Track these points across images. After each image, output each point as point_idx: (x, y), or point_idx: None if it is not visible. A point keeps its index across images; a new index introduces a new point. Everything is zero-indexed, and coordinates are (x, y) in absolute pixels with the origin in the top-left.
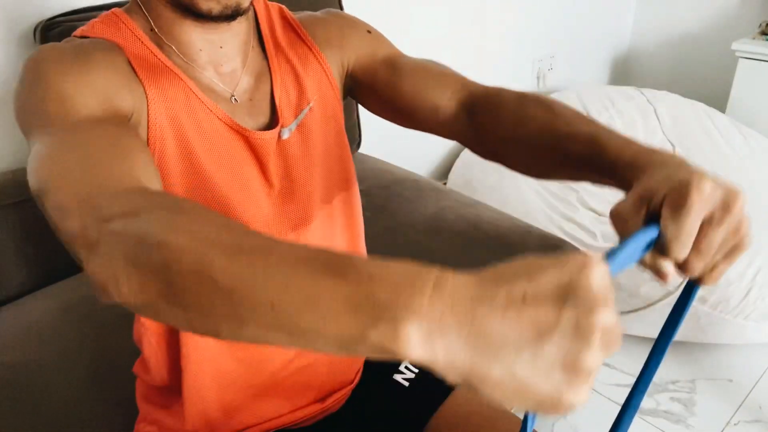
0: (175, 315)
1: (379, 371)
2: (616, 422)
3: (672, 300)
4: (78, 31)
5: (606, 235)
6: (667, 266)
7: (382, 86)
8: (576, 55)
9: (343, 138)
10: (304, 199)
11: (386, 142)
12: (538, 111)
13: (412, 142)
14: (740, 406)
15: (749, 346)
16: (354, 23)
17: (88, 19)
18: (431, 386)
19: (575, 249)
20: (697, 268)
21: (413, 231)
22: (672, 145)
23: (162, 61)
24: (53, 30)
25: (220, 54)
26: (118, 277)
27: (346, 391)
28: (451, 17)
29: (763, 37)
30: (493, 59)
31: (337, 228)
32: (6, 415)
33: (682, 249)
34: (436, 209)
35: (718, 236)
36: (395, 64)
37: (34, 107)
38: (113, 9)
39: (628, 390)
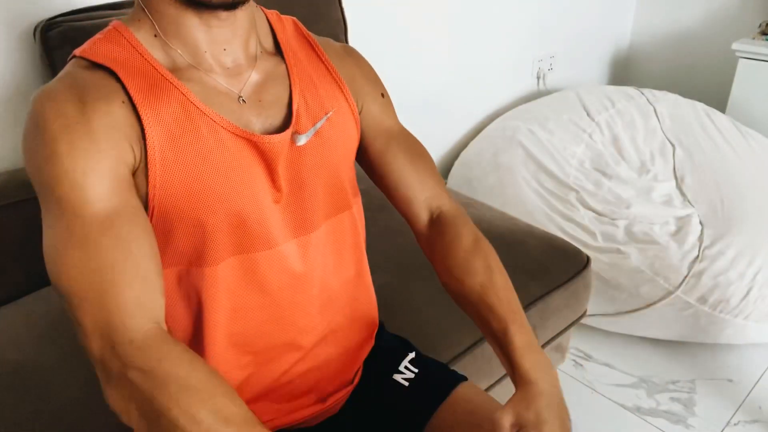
0: None
1: (379, 371)
2: None
3: (672, 300)
4: (79, 51)
5: (606, 234)
6: None
7: (373, 155)
8: (576, 55)
9: (353, 151)
10: (311, 206)
11: None
12: (480, 271)
13: None
14: (740, 406)
15: (749, 346)
16: (372, 79)
17: (88, 19)
18: (431, 386)
19: (575, 249)
20: None
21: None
22: (672, 145)
23: (162, 75)
24: (53, 30)
25: (226, 53)
26: (131, 415)
27: (347, 392)
28: (451, 17)
29: (763, 37)
30: (493, 59)
31: (340, 237)
32: (6, 415)
33: None
34: None
35: None
36: (392, 142)
37: (45, 180)
38: (114, 23)
39: (628, 390)
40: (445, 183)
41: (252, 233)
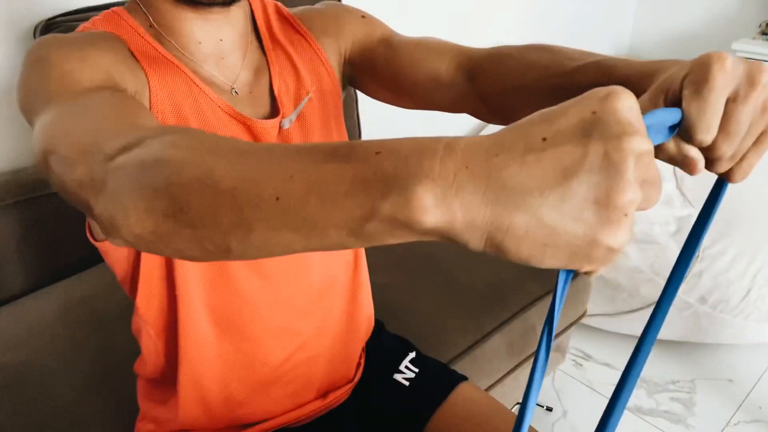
0: (183, 237)
1: (379, 371)
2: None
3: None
4: (80, 27)
5: None
6: (694, 152)
7: (381, 66)
8: None
9: (341, 127)
10: None
11: None
12: (542, 54)
13: None
14: (740, 406)
15: (749, 346)
16: (348, 10)
17: (88, 19)
18: (431, 386)
19: None
20: (727, 152)
21: None
22: None
23: (163, 54)
24: (53, 30)
25: (220, 47)
26: (126, 207)
27: (347, 389)
28: (451, 18)
29: (763, 37)
30: None
31: None
32: (6, 415)
33: (708, 129)
34: None
35: (745, 115)
36: (392, 42)
37: (36, 88)
38: (113, 8)
39: None
40: None
41: None
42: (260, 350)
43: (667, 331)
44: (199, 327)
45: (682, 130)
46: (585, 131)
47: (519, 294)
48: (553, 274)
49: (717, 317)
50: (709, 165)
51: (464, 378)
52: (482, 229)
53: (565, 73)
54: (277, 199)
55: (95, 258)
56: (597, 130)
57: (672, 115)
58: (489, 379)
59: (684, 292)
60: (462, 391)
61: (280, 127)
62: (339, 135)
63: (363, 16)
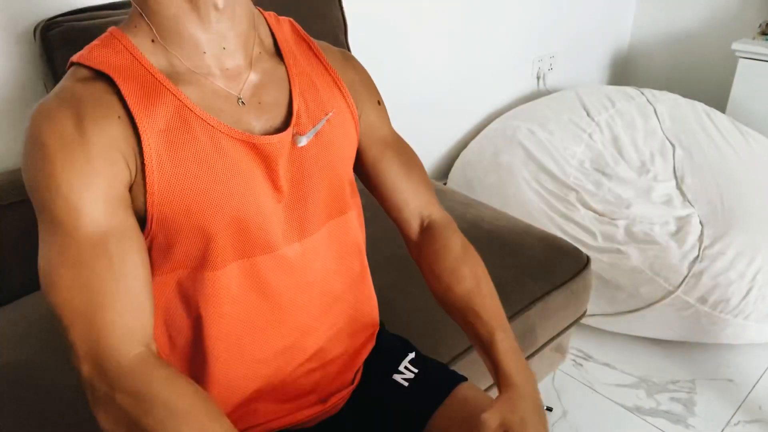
0: None
1: (379, 371)
2: None
3: (672, 300)
4: (76, 57)
5: (606, 234)
6: None
7: (369, 162)
8: (576, 55)
9: (353, 152)
10: (312, 208)
11: None
12: (468, 278)
13: (412, 143)
14: (740, 406)
15: (749, 346)
16: (370, 86)
17: (88, 19)
18: (431, 386)
19: (575, 249)
20: None
21: None
22: (672, 145)
23: (158, 80)
24: (53, 30)
25: (224, 54)
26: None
27: (347, 392)
28: (451, 17)
29: (763, 37)
30: (493, 59)
31: (341, 238)
32: (7, 414)
33: None
34: None
35: None
36: (387, 150)
37: (41, 199)
38: (111, 29)
39: (628, 390)
40: (445, 183)
41: (254, 237)
42: (265, 367)
43: (667, 331)
44: (201, 350)
45: None
46: None
47: (519, 294)
48: (553, 273)
49: (717, 317)
50: None
51: (464, 378)
52: None
53: (469, 311)
54: None
55: None
56: None
57: None
58: (488, 379)
59: (684, 292)
60: (462, 391)
61: (294, 144)
62: (351, 160)
63: (379, 102)
